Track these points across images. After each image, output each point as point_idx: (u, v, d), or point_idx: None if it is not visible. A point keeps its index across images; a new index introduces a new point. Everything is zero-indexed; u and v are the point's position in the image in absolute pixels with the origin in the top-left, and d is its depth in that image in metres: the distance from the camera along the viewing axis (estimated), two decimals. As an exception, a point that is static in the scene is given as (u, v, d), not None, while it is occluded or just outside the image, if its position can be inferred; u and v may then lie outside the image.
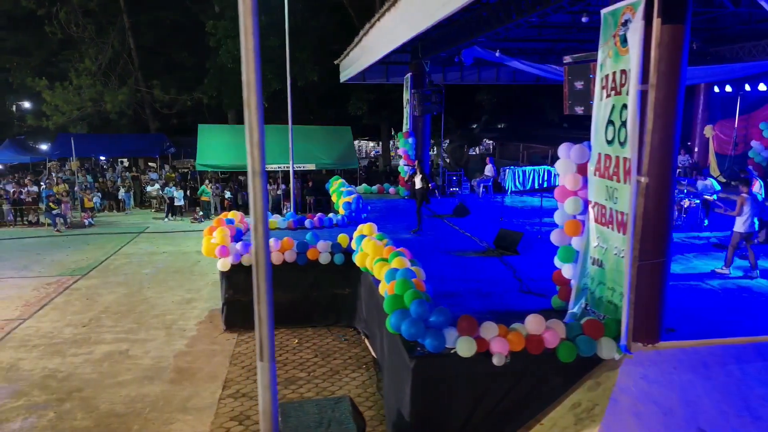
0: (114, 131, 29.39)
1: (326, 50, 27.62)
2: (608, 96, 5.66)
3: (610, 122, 5.61)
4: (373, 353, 8.40)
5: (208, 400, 7.17)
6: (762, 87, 15.25)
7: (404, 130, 16.38)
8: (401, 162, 15.79)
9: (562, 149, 6.38)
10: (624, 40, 5.32)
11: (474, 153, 38.07)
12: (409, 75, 15.41)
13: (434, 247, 9.97)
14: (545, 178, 17.24)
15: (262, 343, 3.69)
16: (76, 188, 21.18)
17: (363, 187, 16.94)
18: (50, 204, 17.99)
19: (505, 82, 18.19)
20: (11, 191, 19.53)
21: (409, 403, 5.49)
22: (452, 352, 5.46)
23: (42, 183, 21.68)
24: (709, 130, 17.79)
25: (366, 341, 8.89)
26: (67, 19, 24.45)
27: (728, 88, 16.54)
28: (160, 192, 22.19)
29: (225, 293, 9.34)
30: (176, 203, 19.99)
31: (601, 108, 5.80)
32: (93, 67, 24.37)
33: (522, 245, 9.37)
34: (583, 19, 6.92)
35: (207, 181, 20.27)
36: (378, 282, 7.37)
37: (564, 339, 5.55)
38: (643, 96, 5.11)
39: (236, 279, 9.30)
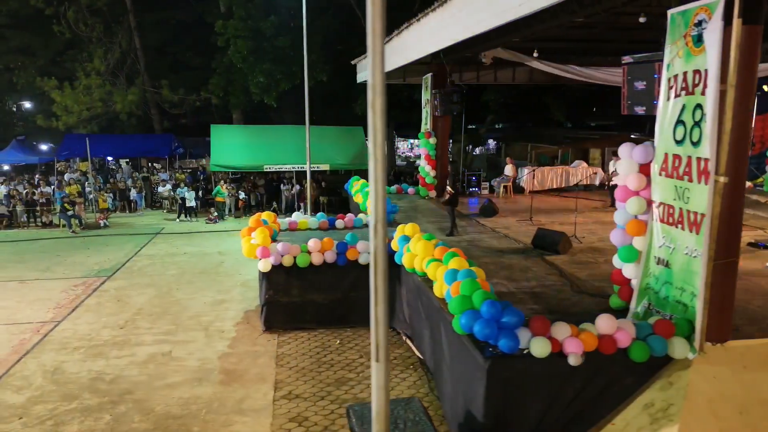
0: (119, 131, 29.25)
1: (331, 50, 27.61)
2: (677, 96, 5.67)
3: (680, 122, 5.62)
4: (418, 354, 8.39)
5: (262, 401, 7.13)
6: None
7: (423, 130, 16.36)
8: (422, 162, 15.77)
9: (624, 149, 6.39)
10: (697, 40, 5.33)
11: (476, 153, 38.13)
12: (429, 75, 15.40)
13: (473, 247, 9.96)
14: (564, 178, 17.29)
15: (378, 344, 3.64)
16: (88, 189, 21.04)
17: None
18: (65, 205, 17.85)
19: (521, 82, 18.19)
20: (24, 192, 19.36)
21: (482, 404, 5.48)
22: (525, 352, 5.46)
23: (53, 184, 21.53)
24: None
25: (408, 342, 8.88)
26: (75, 18, 24.28)
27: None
28: (172, 193, 22.11)
29: (265, 294, 9.29)
30: (188, 204, 19.87)
31: (668, 108, 5.81)
32: (102, 67, 24.21)
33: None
34: (641, 20, 6.95)
35: (222, 182, 20.17)
36: (428, 283, 7.39)
37: (635, 339, 5.55)
38: (720, 96, 5.12)
39: (276, 279, 9.27)
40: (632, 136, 30.68)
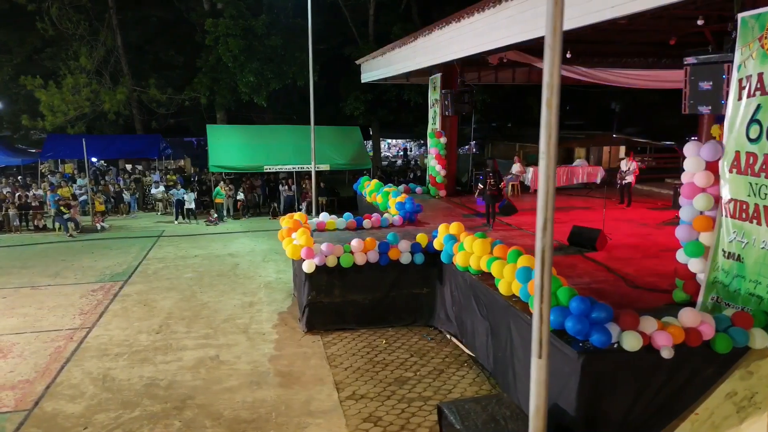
0: (98, 132, 28.44)
1: (316, 50, 27.45)
2: (751, 96, 5.88)
3: (755, 121, 5.84)
4: (468, 352, 8.45)
5: (328, 403, 7.07)
6: None
7: (431, 129, 16.45)
8: (432, 161, 15.85)
9: (691, 147, 6.60)
10: (776, 43, 5.55)
11: (460, 153, 38.46)
12: (438, 75, 15.49)
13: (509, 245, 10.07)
14: (567, 176, 17.64)
15: (542, 340, 3.68)
16: (79, 191, 20.38)
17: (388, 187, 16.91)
18: (61, 208, 17.26)
19: (521, 82, 18.49)
20: (16, 195, 18.63)
21: (574, 398, 5.57)
22: (615, 346, 5.57)
23: (39, 186, 20.78)
24: (716, 130, 18.47)
25: (454, 340, 8.93)
26: (59, 15, 23.50)
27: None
28: (166, 194, 21.63)
29: (307, 295, 9.20)
30: (187, 206, 19.48)
31: (740, 107, 6.03)
32: (89, 65, 23.47)
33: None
34: (699, 22, 7.18)
35: (222, 183, 19.83)
36: (485, 281, 7.48)
37: (717, 331, 5.73)
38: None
39: (319, 280, 9.19)
40: (617, 136, 31.54)
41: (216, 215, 19.28)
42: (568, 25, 6.67)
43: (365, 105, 28.87)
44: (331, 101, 31.37)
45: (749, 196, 5.97)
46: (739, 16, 6.01)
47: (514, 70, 18.13)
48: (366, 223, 11.36)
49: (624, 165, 14.62)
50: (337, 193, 22.70)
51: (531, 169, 17.37)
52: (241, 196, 20.22)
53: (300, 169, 20.34)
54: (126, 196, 21.04)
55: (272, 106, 28.48)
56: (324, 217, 11.21)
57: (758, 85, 5.80)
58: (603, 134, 30.58)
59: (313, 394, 7.28)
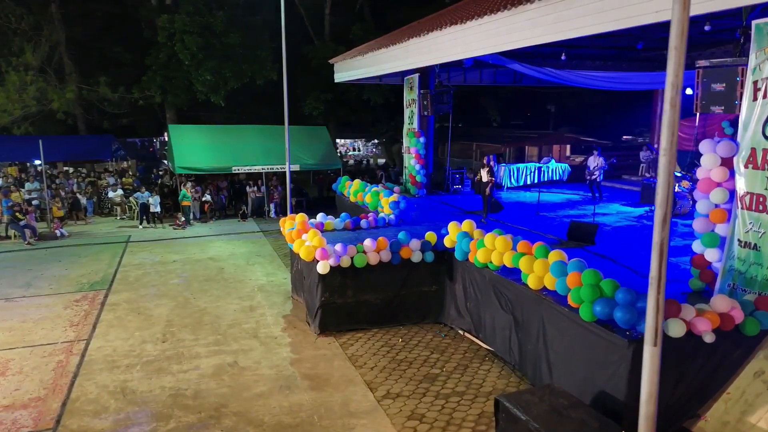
0: (42, 133, 26.71)
1: (275, 48, 27.02)
2: (767, 97, 6.37)
3: (772, 120, 6.33)
4: (486, 347, 8.63)
5: (366, 403, 7.05)
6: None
7: (407, 129, 16.60)
8: (412, 161, 15.99)
9: (707, 145, 7.05)
10: (793, 48, 6.03)
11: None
12: (416, 75, 15.65)
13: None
14: (536, 174, 18.28)
15: (657, 329, 3.86)
16: (28, 195, 19.11)
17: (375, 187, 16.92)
18: (16, 214, 16.14)
19: (502, 83, 19.02)
20: (-37, 201, 17.23)
21: (625, 384, 5.84)
22: (659, 333, 5.89)
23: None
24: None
25: (469, 336, 9.09)
26: (0, 8, 21.94)
27: (688, 91, 18.45)
28: (125, 198, 20.67)
29: (321, 296, 9.10)
30: (152, 210, 18.69)
31: (755, 107, 6.51)
32: (35, 62, 22.04)
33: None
34: (706, 28, 7.67)
35: (189, 185, 19.15)
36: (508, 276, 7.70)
37: (746, 315, 6.17)
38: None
39: (332, 282, 9.11)
40: (567, 135, 32.87)
41: (183, 219, 18.60)
42: (604, 28, 7.02)
43: (325, 105, 28.67)
44: (289, 101, 30.90)
45: (766, 189, 6.46)
46: (754, 22, 6.48)
47: (480, 71, 18.62)
48: (363, 223, 11.35)
49: (592, 161, 15.31)
50: (305, 193, 22.46)
51: (504, 168, 17.85)
52: (207, 198, 19.60)
53: (270, 170, 19.95)
54: (82, 200, 19.91)
55: (226, 106, 27.75)
56: (321, 218, 11.10)
57: (774, 87, 6.28)
58: (555, 133, 31.85)
59: (348, 395, 7.24)
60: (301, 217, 10.44)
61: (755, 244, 6.64)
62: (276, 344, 8.88)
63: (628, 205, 14.58)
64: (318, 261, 8.91)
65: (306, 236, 9.30)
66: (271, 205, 20.50)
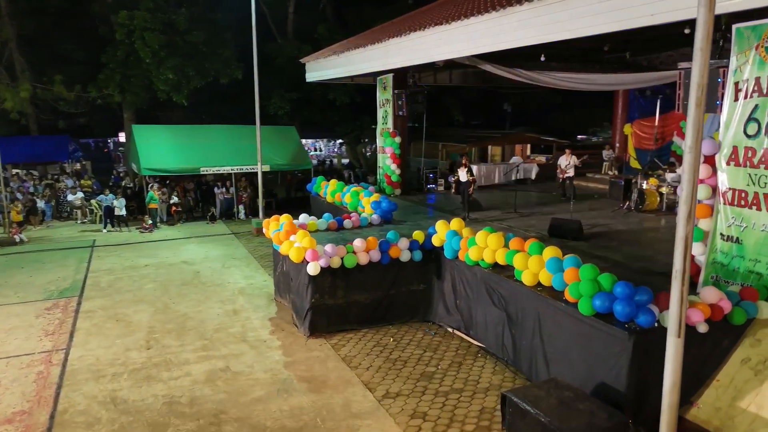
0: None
1: (238, 46, 26.61)
2: (748, 97, 6.69)
3: (753, 119, 6.65)
4: (477, 343, 8.74)
5: (366, 404, 7.03)
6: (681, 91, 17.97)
7: (381, 129, 16.62)
8: (387, 161, 16.01)
9: (689, 143, 7.33)
10: (773, 51, 6.36)
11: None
12: (390, 75, 15.68)
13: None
14: (503, 173, 18.60)
15: (681, 320, 4.00)
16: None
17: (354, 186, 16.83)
18: (-29, 219, 15.31)
19: (472, 84, 19.24)
20: None
21: (626, 375, 6.03)
22: (656, 325, 6.11)
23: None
24: (627, 129, 20.42)
25: (458, 333, 9.18)
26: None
27: (648, 92, 19.19)
28: (85, 201, 19.90)
29: (311, 298, 9.00)
30: (117, 213, 18.06)
31: (737, 107, 6.83)
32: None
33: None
34: (686, 31, 7.97)
35: (155, 187, 18.59)
36: (501, 273, 7.83)
37: (733, 305, 6.47)
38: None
39: (322, 283, 9.04)
40: (528, 135, 33.64)
41: (150, 222, 18.04)
42: (595, 30, 7.20)
43: (290, 104, 28.37)
44: (251, 100, 30.50)
45: (748, 185, 6.79)
46: (735, 26, 6.80)
47: (450, 72, 18.83)
48: (347, 223, 11.30)
49: (564, 161, 15.70)
50: (275, 194, 22.18)
51: (475, 167, 18.06)
52: (175, 200, 19.08)
53: (239, 171, 19.60)
54: (40, 203, 19.04)
55: (186, 105, 27.07)
56: (304, 218, 10.98)
57: (755, 88, 6.61)
58: (517, 133, 32.46)
59: (347, 396, 7.19)
60: (286, 217, 10.29)
61: (737, 238, 6.97)
62: (266, 347, 8.73)
63: (598, 201, 15.02)
64: (308, 262, 8.81)
65: (295, 237, 9.18)
66: (240, 207, 20.15)
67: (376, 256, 9.23)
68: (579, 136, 39.45)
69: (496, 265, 8.26)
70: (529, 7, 7.45)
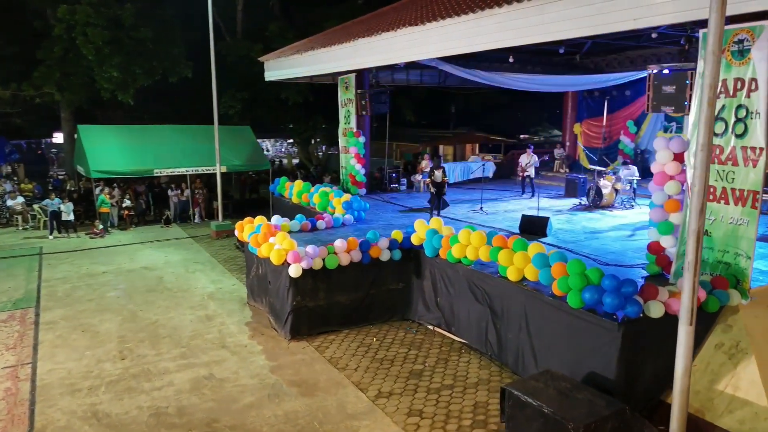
0: None
1: (187, 43, 25.85)
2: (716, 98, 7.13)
3: (720, 119, 7.09)
4: (459, 339, 8.88)
5: (361, 404, 7.02)
6: (628, 92, 18.86)
7: (343, 128, 16.55)
8: (352, 161, 15.96)
9: (661, 141, 7.74)
10: (739, 55, 6.81)
11: (332, 153, 38.79)
12: (353, 75, 15.65)
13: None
14: (468, 172, 18.95)
15: (692, 309, 4.22)
16: None
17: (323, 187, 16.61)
18: None
19: (428, 84, 19.47)
20: None
21: (615, 364, 6.31)
22: (641, 315, 6.42)
23: None
24: (577, 128, 21.28)
25: (439, 330, 9.29)
26: None
27: (596, 93, 20.04)
28: (26, 206, 18.76)
29: (292, 300, 8.88)
30: (65, 218, 17.12)
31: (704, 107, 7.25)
32: None
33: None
34: (653, 35, 8.38)
35: (106, 190, 17.73)
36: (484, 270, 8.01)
37: (708, 294, 6.88)
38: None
39: (304, 285, 8.93)
40: (478, 134, 34.33)
41: (101, 227, 17.22)
42: (573, 34, 7.46)
43: (241, 104, 27.76)
44: (201, 99, 29.72)
45: (716, 181, 7.22)
46: (701, 31, 7.21)
47: (407, 71, 18.98)
48: (320, 223, 11.21)
49: (524, 159, 16.18)
50: (231, 196, 21.67)
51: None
52: (128, 203, 18.29)
53: (195, 172, 19.02)
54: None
55: (128, 105, 25.99)
56: (277, 220, 10.80)
57: (722, 89, 7.04)
58: (467, 133, 33.12)
59: (341, 398, 7.15)
60: (261, 219, 10.10)
61: (706, 230, 7.41)
62: (248, 353, 8.55)
63: (556, 198, 15.55)
64: (289, 264, 8.69)
65: (274, 239, 9.03)
66: (196, 210, 19.57)
67: (357, 256, 9.22)
68: (521, 136, 40.63)
69: (477, 262, 8.42)
70: (508, 9, 7.66)
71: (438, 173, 12.07)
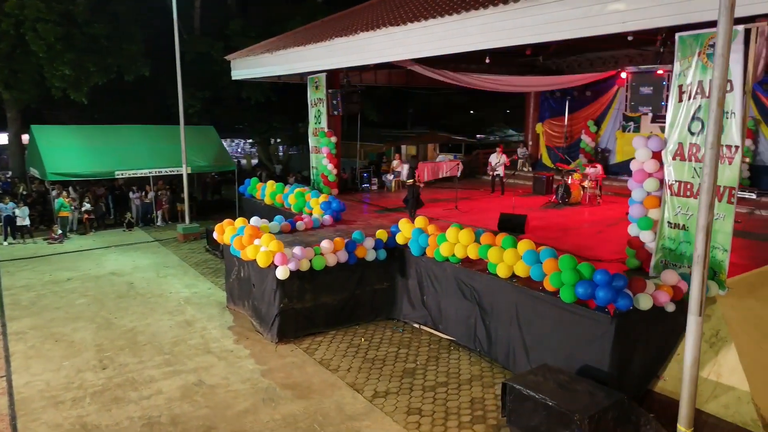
0: None
1: (143, 40, 25.05)
2: (692, 99, 7.46)
3: (696, 118, 7.42)
4: (447, 337, 8.98)
5: (358, 405, 7.00)
6: (588, 93, 19.46)
7: (313, 128, 16.42)
8: (324, 161, 15.83)
9: (639, 141, 8.04)
10: (713, 57, 7.15)
11: (292, 153, 38.42)
12: (323, 74, 15.53)
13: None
14: (433, 171, 19.11)
15: (701, 300, 4.41)
16: None
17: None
18: None
19: (396, 85, 19.52)
20: None
21: (609, 355, 6.52)
22: (631, 308, 6.66)
23: None
24: (539, 128, 21.82)
25: (425, 328, 9.36)
26: None
27: (558, 93, 20.61)
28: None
29: (279, 303, 8.75)
30: (20, 223, 16.30)
31: (681, 108, 7.59)
32: None
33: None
34: (629, 38, 8.66)
35: (65, 193, 16.97)
36: (472, 267, 8.14)
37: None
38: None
39: (290, 287, 8.83)
40: (440, 134, 34.72)
41: (60, 231, 16.48)
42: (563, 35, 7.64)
43: (201, 103, 27.12)
44: (156, 98, 28.88)
45: (693, 177, 7.57)
46: (678, 35, 7.54)
47: (376, 72, 19.00)
48: (299, 224, 11.10)
49: (494, 158, 16.47)
50: (195, 197, 21.14)
51: (406, 166, 18.41)
52: (87, 207, 17.55)
53: (158, 173, 18.46)
54: None
55: (79, 104, 24.99)
56: (256, 221, 10.62)
57: (698, 90, 7.39)
58: (430, 133, 33.45)
59: (337, 399, 7.11)
60: (242, 221, 9.91)
61: (684, 225, 7.76)
62: (235, 357, 8.38)
63: (525, 196, 15.90)
64: (276, 266, 8.57)
65: (260, 241, 8.88)
66: (159, 213, 19.00)
67: (343, 256, 9.18)
68: (478, 135, 41.34)
69: (464, 260, 8.53)
70: (493, 11, 7.80)
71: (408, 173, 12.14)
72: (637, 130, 17.56)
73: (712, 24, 6.79)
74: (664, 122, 7.81)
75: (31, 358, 8.33)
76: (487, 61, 11.11)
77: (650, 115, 15.39)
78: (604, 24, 6.86)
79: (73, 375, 7.78)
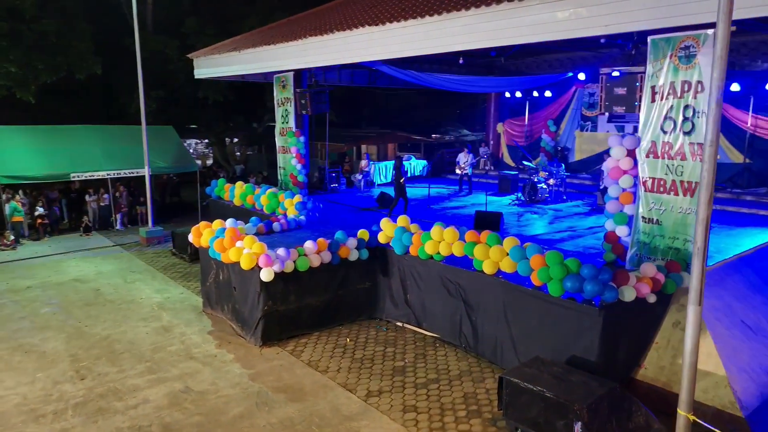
0: None
1: (96, 39, 24.16)
2: (664, 99, 7.83)
3: (669, 118, 7.78)
4: (431, 334, 9.08)
5: (354, 405, 7.00)
6: (548, 93, 20.03)
7: (281, 128, 16.23)
8: (293, 161, 15.66)
9: (614, 139, 8.36)
10: (684, 60, 7.53)
11: (250, 153, 37.78)
12: (291, 74, 15.38)
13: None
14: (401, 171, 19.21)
15: (701, 290, 4.63)
16: None
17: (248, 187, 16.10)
18: None
19: (358, 84, 19.51)
20: None
21: (597, 346, 6.77)
22: (616, 300, 6.94)
23: None
24: (500, 127, 22.30)
25: (408, 326, 9.44)
26: None
27: (518, 94, 21.11)
28: None
29: (263, 306, 8.63)
30: (-33, 229, 15.41)
31: (653, 108, 7.95)
32: None
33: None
34: (602, 41, 8.98)
35: (18, 197, 16.12)
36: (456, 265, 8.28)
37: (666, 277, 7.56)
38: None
39: (274, 289, 8.72)
40: (400, 134, 34.95)
41: (12, 237, 15.65)
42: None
43: (156, 103, 26.31)
44: (107, 97, 27.88)
45: (666, 174, 7.94)
46: (650, 38, 7.89)
47: (339, 71, 18.95)
48: (276, 225, 10.97)
49: (463, 158, 16.74)
50: (155, 200, 20.44)
51: (374, 165, 18.46)
52: (41, 211, 16.73)
53: (117, 175, 17.80)
54: None
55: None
56: (231, 223, 10.41)
57: (670, 91, 7.75)
58: (391, 133, 33.57)
59: (332, 400, 7.09)
60: (219, 223, 9.71)
61: (657, 219, 8.13)
62: (220, 362, 8.21)
63: (493, 195, 16.23)
64: (260, 269, 8.44)
65: (242, 243, 8.72)
66: (118, 216, 18.32)
67: (327, 257, 9.13)
68: (433, 135, 41.81)
69: (448, 258, 8.65)
70: (474, 12, 7.93)
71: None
72: (594, 129, 18.16)
73: (686, 28, 7.21)
74: (620, 122, 8.18)
75: (1, 372, 7.91)
76: (461, 62, 11.28)
77: (606, 114, 16.04)
78: (586, 27, 7.09)
79: (50, 387, 7.44)
